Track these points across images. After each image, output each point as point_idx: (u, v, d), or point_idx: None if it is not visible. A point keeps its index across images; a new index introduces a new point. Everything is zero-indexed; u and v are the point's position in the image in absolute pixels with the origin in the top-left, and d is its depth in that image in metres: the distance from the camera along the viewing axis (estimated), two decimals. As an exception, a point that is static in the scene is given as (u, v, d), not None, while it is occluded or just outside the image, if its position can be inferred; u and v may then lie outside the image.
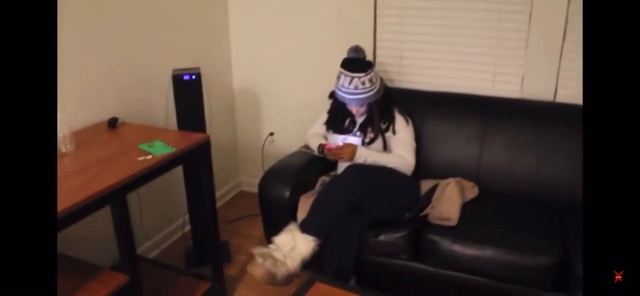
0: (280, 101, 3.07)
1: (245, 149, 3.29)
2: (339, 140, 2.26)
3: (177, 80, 2.22)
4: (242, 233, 2.84)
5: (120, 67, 2.29)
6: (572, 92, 2.34)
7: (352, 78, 2.13)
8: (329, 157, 2.22)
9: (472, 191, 2.21)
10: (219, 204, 3.13)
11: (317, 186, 2.31)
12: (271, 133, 3.14)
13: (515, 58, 2.43)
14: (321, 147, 2.26)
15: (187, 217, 2.66)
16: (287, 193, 2.16)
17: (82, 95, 2.11)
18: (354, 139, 2.24)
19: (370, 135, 2.23)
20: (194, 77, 2.23)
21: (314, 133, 2.44)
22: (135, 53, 2.38)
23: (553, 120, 2.25)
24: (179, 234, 2.81)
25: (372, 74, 2.17)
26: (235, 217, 3.00)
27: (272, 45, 2.98)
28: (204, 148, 1.98)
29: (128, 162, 1.72)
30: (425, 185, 2.25)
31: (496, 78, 2.50)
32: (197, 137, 1.98)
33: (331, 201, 2.00)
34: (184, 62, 2.56)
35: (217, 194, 3.13)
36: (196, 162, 2.01)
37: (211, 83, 2.89)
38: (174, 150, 1.83)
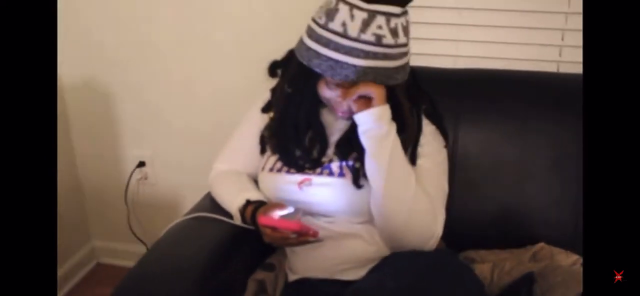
0: (155, 106, 1.68)
1: (97, 194, 1.84)
2: (291, 190, 0.98)
3: None
4: None
5: None
6: None
7: (373, 14, 0.86)
8: (270, 241, 0.95)
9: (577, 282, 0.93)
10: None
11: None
12: (141, 164, 1.74)
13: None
14: (250, 213, 0.99)
15: None
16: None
17: None
18: (328, 183, 0.97)
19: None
20: None
21: (230, 173, 1.13)
22: None
23: None
24: None
25: (408, 18, 0.92)
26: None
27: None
28: None
29: None
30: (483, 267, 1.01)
31: (565, 41, 1.35)
32: None
33: None
34: None
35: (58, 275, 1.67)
36: None
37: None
38: None
